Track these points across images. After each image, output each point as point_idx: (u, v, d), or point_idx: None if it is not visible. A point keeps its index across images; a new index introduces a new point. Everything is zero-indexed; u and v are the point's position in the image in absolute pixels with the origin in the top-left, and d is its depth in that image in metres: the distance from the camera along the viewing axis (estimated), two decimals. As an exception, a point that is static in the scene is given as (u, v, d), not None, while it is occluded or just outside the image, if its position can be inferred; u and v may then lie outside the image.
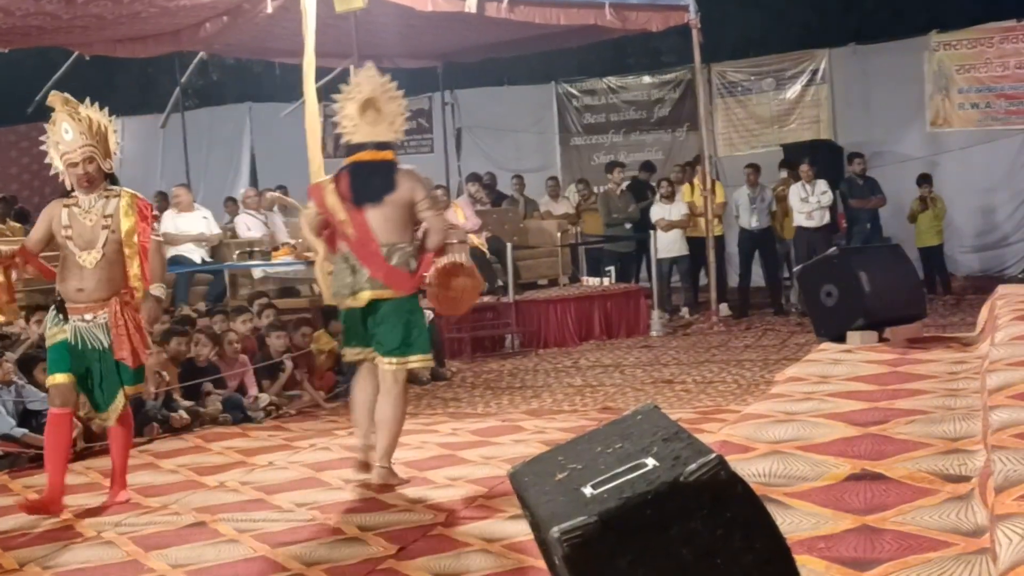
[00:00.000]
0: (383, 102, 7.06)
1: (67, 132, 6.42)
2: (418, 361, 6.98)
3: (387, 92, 7.14)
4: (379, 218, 6.79)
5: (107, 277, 6.47)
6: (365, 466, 6.94)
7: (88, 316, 6.49)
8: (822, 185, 15.27)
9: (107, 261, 6.45)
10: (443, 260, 6.93)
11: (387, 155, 6.98)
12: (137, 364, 6.58)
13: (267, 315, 11.13)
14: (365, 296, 6.76)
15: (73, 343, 6.51)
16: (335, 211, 6.84)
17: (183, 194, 14.22)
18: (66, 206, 6.55)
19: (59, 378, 6.52)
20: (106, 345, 6.50)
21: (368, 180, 6.87)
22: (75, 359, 6.52)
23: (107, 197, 6.51)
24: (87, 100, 6.57)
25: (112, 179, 6.61)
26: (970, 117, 17.98)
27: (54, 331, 6.56)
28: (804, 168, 15.39)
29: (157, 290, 6.60)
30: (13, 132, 22.49)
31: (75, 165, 6.40)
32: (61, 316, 6.56)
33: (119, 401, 6.65)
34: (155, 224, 6.98)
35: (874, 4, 21.12)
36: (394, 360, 6.80)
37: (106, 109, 6.61)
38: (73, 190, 6.51)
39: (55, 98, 6.50)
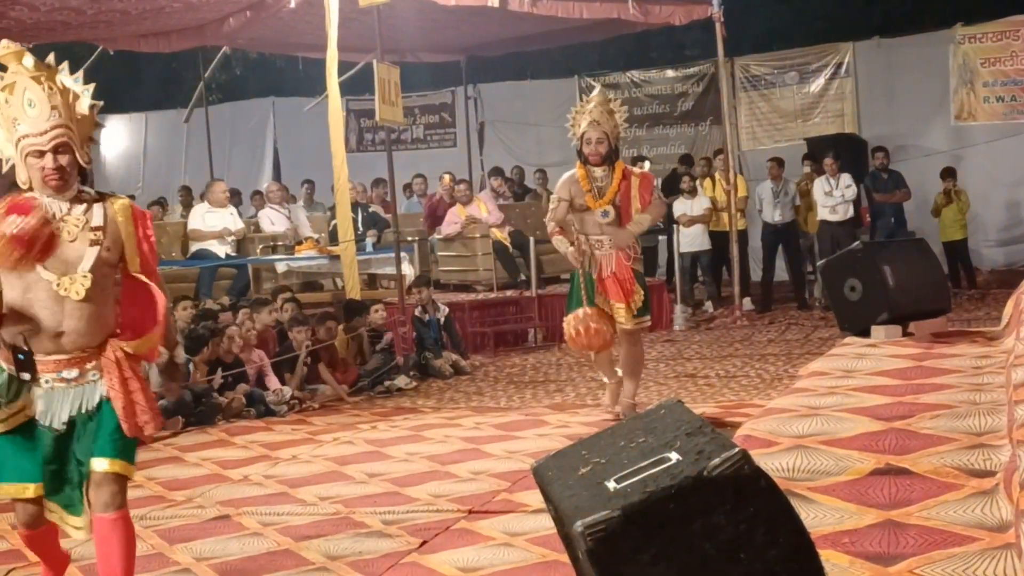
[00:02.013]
0: None
1: (31, 105, 4.28)
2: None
3: None
4: None
5: (98, 314, 4.32)
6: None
7: (70, 373, 4.31)
8: (846, 179, 15.20)
9: (99, 290, 4.31)
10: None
11: None
12: (135, 434, 4.32)
13: (288, 309, 11.13)
14: None
15: (46, 423, 4.30)
16: None
17: (220, 190, 14.21)
18: None
19: (25, 490, 4.32)
20: (95, 411, 4.32)
21: None
22: (48, 450, 4.31)
23: (87, 202, 4.38)
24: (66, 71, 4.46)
25: (84, 176, 4.51)
26: (995, 110, 17.88)
27: (6, 412, 4.28)
28: (829, 162, 15.32)
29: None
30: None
31: (40, 155, 4.26)
32: (17, 383, 4.29)
33: (109, 493, 4.24)
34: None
35: (898, -4, 21.04)
36: None
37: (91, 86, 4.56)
38: (30, 189, 4.34)
39: (8, 53, 4.32)
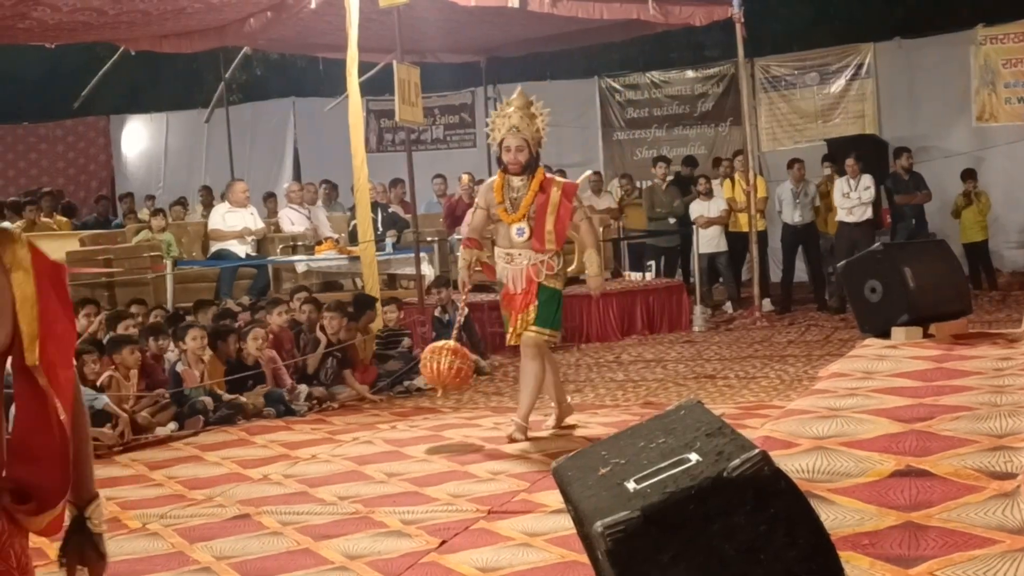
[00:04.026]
0: None
1: None
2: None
3: None
4: None
5: None
6: None
7: None
8: (866, 180, 15.14)
9: None
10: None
11: None
12: None
13: (306, 310, 11.15)
14: None
15: None
16: None
17: (240, 190, 14.25)
18: None
19: None
20: None
21: None
22: None
23: None
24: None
25: None
26: (1017, 112, 17.80)
27: None
28: (850, 163, 15.26)
29: (100, 522, 2.74)
30: (60, 127, 22.71)
31: None
32: None
33: None
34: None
35: (920, -3, 20.99)
36: None
37: None
38: None
39: None
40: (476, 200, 8.13)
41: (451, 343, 8.12)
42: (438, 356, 8.05)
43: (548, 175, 7.99)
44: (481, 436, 8.18)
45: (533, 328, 7.74)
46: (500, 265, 7.89)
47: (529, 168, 7.75)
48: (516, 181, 7.76)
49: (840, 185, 15.26)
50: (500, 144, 7.78)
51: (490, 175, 17.63)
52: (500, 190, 7.79)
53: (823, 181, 16.14)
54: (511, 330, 7.87)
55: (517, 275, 7.76)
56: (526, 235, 7.70)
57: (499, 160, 7.89)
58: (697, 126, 20.16)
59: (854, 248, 13.52)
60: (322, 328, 10.61)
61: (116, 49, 15.71)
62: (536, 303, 7.72)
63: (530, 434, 7.90)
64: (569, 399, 8.67)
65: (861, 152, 15.91)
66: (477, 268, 8.16)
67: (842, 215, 15.25)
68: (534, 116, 7.84)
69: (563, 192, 7.76)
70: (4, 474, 2.51)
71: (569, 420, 8.34)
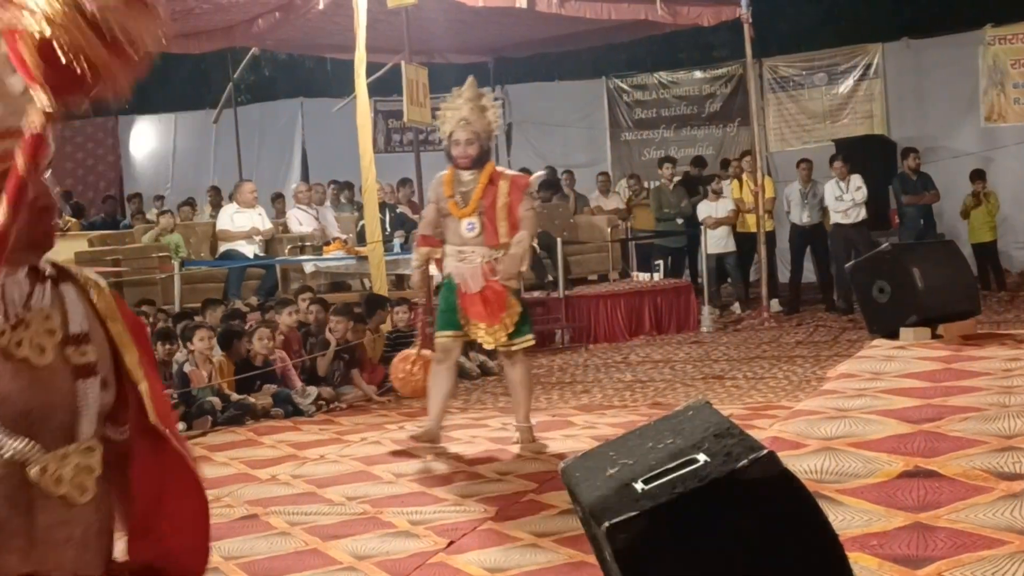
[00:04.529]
0: None
1: None
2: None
3: None
4: None
5: (97, 528, 2.25)
6: None
7: None
8: (856, 181, 15.05)
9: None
10: None
11: None
12: None
13: (313, 310, 11.16)
14: None
15: None
16: None
17: (249, 191, 14.27)
18: None
19: None
20: None
21: None
22: None
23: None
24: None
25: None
26: (1025, 112, 17.80)
27: None
28: (838, 164, 15.23)
29: None
30: (68, 127, 22.72)
31: None
32: None
33: None
34: None
35: (928, -3, 20.98)
36: None
37: None
38: None
39: None
40: (427, 196, 7.88)
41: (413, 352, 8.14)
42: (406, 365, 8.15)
43: (498, 168, 7.73)
44: (489, 436, 8.18)
45: (519, 340, 7.54)
46: (451, 263, 7.54)
47: (479, 162, 7.50)
48: (466, 175, 7.50)
49: (831, 188, 15.21)
50: (449, 137, 7.53)
51: (498, 175, 17.74)
52: (450, 184, 7.55)
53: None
54: (485, 335, 7.51)
55: (472, 273, 7.43)
56: (476, 230, 7.42)
57: (448, 154, 7.62)
58: (705, 126, 20.16)
59: (851, 249, 13.53)
60: (330, 330, 10.62)
61: (124, 49, 15.70)
62: (509, 311, 7.45)
63: (537, 434, 7.90)
64: (441, 425, 7.88)
65: (869, 152, 15.90)
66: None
67: (836, 217, 15.20)
68: (485, 108, 7.58)
69: (512, 185, 7.50)
70: (128, 558, 2.25)
71: (427, 445, 7.67)
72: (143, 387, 2.23)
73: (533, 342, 7.89)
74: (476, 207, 7.42)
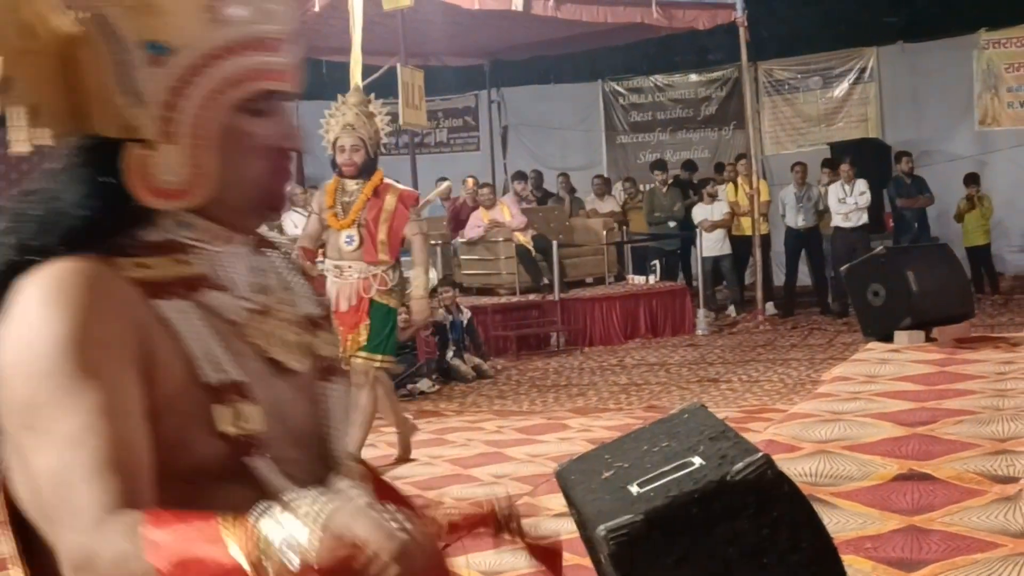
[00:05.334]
0: None
1: None
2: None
3: None
4: None
5: None
6: None
7: None
8: (861, 185, 15.08)
9: None
10: None
11: None
12: None
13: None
14: None
15: None
16: None
17: None
18: None
19: None
20: None
21: None
22: None
23: None
24: None
25: None
26: (1019, 116, 17.81)
27: None
28: (844, 167, 15.24)
29: None
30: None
31: None
32: None
33: None
34: None
35: (923, 1, 20.96)
36: None
37: None
38: None
39: None
40: (311, 206, 7.49)
41: None
42: None
43: (387, 180, 7.23)
44: (484, 439, 8.20)
45: (362, 354, 6.96)
46: (328, 280, 7.05)
47: (366, 171, 7.08)
48: (351, 185, 7.09)
49: (835, 190, 15.22)
50: (334, 144, 7.07)
51: (493, 179, 17.80)
52: (332, 193, 7.15)
53: (827, 184, 16.14)
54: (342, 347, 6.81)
55: (346, 291, 7.01)
56: (355, 244, 7.02)
57: (332, 162, 7.21)
58: (700, 130, 20.17)
59: (852, 254, 13.53)
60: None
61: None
62: (367, 322, 6.98)
63: (533, 436, 7.90)
64: (409, 417, 7.87)
65: (864, 156, 15.92)
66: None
67: (838, 220, 15.18)
68: (372, 115, 7.14)
69: (400, 199, 7.10)
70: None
71: (413, 438, 7.59)
72: None
73: (397, 368, 7.45)
74: (356, 218, 7.03)
